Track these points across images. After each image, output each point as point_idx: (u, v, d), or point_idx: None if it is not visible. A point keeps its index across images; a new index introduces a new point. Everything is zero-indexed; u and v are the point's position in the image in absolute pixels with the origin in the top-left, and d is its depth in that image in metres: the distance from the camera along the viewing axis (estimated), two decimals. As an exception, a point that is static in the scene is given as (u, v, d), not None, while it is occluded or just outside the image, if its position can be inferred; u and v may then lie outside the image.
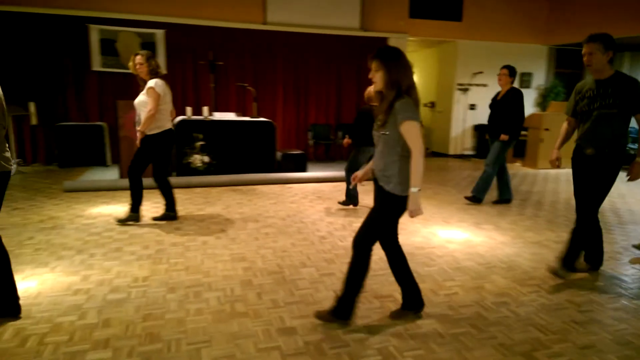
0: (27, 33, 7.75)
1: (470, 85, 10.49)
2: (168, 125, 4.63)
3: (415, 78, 8.16)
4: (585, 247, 3.65)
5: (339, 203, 5.68)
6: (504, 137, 5.59)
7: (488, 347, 2.57)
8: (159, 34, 8.46)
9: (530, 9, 10.61)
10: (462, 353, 2.50)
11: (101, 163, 7.89)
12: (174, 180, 6.54)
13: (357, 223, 4.91)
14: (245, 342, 2.55)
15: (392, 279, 3.45)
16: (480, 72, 10.28)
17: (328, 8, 9.21)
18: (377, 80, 2.50)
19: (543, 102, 11.02)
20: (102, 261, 3.63)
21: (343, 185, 7.04)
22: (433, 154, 11.32)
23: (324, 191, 6.57)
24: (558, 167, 3.79)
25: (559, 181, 7.81)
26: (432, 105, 11.45)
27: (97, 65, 8.13)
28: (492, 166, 5.73)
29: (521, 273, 3.65)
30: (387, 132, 2.49)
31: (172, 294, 3.10)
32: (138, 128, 4.51)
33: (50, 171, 7.46)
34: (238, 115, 7.62)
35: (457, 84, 10.51)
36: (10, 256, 3.66)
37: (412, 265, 3.70)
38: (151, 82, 4.42)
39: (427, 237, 4.50)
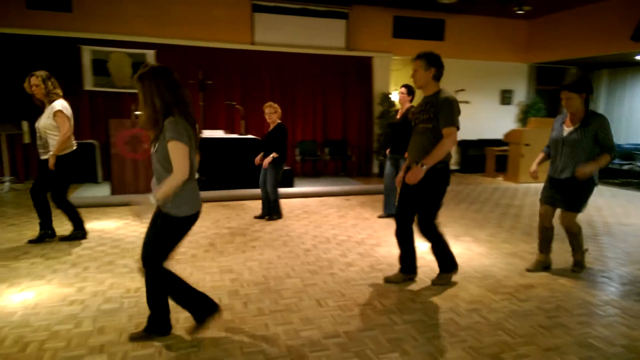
0: (21, 54, 7.92)
1: (454, 102, 10.81)
2: (74, 145, 4.60)
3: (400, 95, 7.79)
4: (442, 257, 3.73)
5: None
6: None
7: (459, 349, 2.77)
8: (150, 54, 8.68)
9: (510, 29, 11.04)
10: (434, 355, 2.69)
11: (92, 180, 8.02)
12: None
13: (341, 236, 5.12)
14: (231, 346, 2.72)
15: (372, 288, 3.67)
16: (462, 90, 10.62)
17: (314, 29, 9.53)
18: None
19: (524, 118, 11.38)
20: (96, 274, 3.79)
21: (329, 199, 7.25)
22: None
23: (310, 206, 6.77)
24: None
25: (538, 195, 8.07)
26: (417, 121, 11.75)
27: (89, 84, 8.32)
28: None
29: (495, 282, 3.86)
30: (157, 151, 2.47)
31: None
32: (51, 152, 4.38)
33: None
34: (227, 132, 7.83)
35: (441, 101, 10.82)
36: (7, 270, 3.86)
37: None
38: (57, 105, 4.37)
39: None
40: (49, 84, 4.40)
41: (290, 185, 7.67)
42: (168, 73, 2.50)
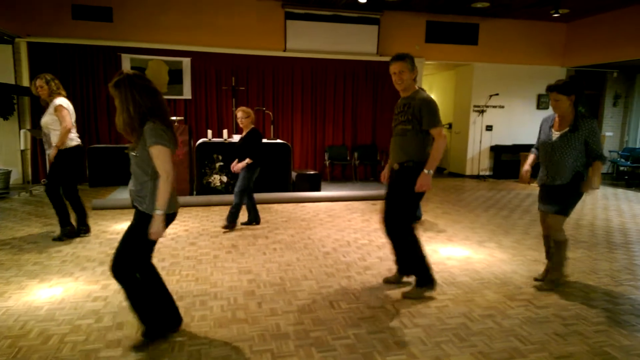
0: (66, 62, 8.40)
1: (487, 106, 10.63)
2: (78, 140, 4.85)
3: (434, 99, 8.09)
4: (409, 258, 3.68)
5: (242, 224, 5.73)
6: None
7: (467, 354, 2.75)
8: (186, 61, 9.00)
9: (547, 32, 10.75)
10: (441, 359, 2.69)
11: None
12: (195, 198, 6.93)
13: (362, 240, 5.14)
14: (241, 345, 2.80)
15: (387, 291, 3.68)
16: (496, 94, 10.43)
17: (346, 35, 9.60)
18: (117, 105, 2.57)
19: (561, 122, 11.02)
20: (121, 272, 3.97)
21: (355, 204, 7.27)
22: (450, 174, 11.44)
23: (335, 210, 6.81)
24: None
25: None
26: (450, 126, 11.61)
27: (127, 91, 8.69)
28: None
29: (513, 288, 3.79)
30: (137, 154, 2.55)
31: (180, 301, 3.38)
32: (54, 144, 4.65)
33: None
34: (256, 137, 7.98)
35: (474, 106, 10.67)
36: (40, 267, 4.09)
37: (409, 280, 3.92)
38: (58, 101, 4.63)
39: (428, 254, 4.66)
40: (53, 84, 4.69)
41: (317, 189, 7.75)
42: (143, 80, 2.57)
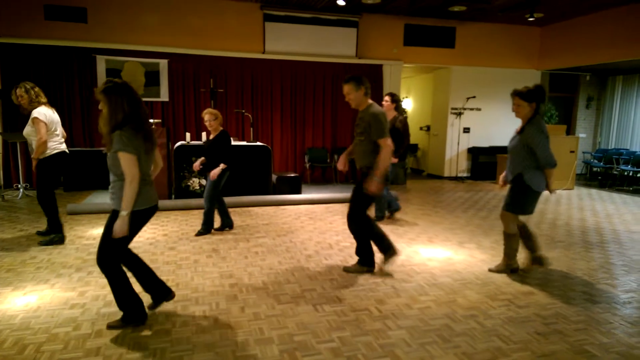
0: (39, 64, 8.17)
1: (464, 109, 10.79)
2: (60, 147, 4.84)
3: (412, 102, 8.55)
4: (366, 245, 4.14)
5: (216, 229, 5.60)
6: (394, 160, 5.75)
7: (451, 355, 2.76)
8: (163, 63, 8.86)
9: (522, 36, 10.97)
10: (426, 360, 2.69)
11: (105, 187, 8.18)
12: (172, 202, 6.82)
13: (344, 242, 5.14)
14: (224, 350, 2.76)
15: (370, 293, 3.68)
16: (473, 97, 10.59)
17: (325, 37, 9.59)
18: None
19: (536, 125, 11.25)
20: (99, 278, 3.86)
21: (335, 206, 7.27)
22: (428, 176, 11.56)
23: (316, 212, 6.80)
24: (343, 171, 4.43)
25: (548, 202, 7.99)
26: (428, 128, 11.73)
27: (102, 93, 8.50)
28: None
29: (494, 288, 3.83)
30: (110, 156, 2.75)
31: (160, 308, 3.31)
32: (32, 156, 4.69)
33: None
34: (235, 140, 7.92)
35: (451, 108, 10.81)
36: (13, 274, 3.97)
37: (391, 281, 3.95)
38: (35, 112, 4.59)
39: (410, 256, 4.70)
40: (32, 93, 4.68)
41: (298, 192, 7.72)
42: (131, 90, 2.77)
